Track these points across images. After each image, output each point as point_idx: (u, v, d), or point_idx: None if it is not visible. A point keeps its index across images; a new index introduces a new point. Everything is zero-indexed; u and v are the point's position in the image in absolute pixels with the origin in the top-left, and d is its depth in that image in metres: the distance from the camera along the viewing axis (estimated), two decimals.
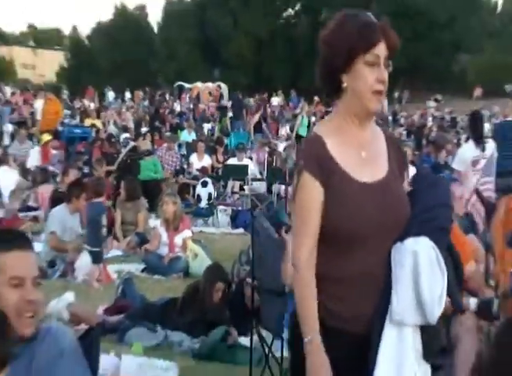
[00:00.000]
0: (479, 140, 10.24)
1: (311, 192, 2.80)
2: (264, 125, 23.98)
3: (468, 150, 10.31)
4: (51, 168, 14.89)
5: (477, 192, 8.19)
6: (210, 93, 33.61)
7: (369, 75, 2.76)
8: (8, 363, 2.76)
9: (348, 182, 2.81)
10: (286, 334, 5.46)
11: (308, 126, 21.17)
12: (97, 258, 9.18)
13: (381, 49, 2.74)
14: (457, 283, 2.91)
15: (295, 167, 2.93)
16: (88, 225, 9.60)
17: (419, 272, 2.73)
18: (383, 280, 2.79)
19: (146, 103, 30.97)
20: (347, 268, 2.80)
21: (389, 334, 2.75)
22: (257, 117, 23.95)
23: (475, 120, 11.04)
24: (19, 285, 2.85)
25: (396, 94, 36.52)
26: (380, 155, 2.92)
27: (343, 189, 2.81)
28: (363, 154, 2.86)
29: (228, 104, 30.25)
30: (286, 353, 5.70)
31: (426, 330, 2.79)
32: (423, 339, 2.79)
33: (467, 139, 11.28)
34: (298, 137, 20.80)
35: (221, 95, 32.49)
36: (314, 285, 2.82)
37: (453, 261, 2.90)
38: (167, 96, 35.18)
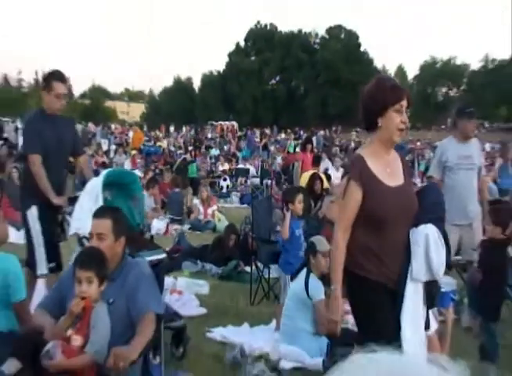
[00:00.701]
0: None
1: (353, 193, 3.18)
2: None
3: None
4: (137, 171, 17.33)
5: None
6: (227, 128, 40.22)
7: (396, 119, 3.15)
8: (105, 281, 3.19)
9: (381, 185, 3.19)
10: (273, 265, 6.76)
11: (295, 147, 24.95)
12: (173, 221, 11.94)
13: (404, 102, 3.16)
14: (447, 253, 3.24)
15: (345, 174, 3.36)
16: (171, 203, 12.55)
17: (428, 246, 3.16)
18: (403, 251, 3.18)
19: (192, 132, 36.90)
20: (379, 242, 3.17)
21: (409, 287, 3.16)
22: (263, 141, 29.09)
23: None
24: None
25: (333, 128, 42.81)
26: (398, 169, 3.32)
27: (377, 190, 3.18)
28: (388, 170, 3.26)
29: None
30: (271, 276, 6.97)
31: (431, 284, 3.24)
32: (428, 289, 3.24)
33: None
34: (288, 152, 24.58)
35: (236, 130, 39.81)
36: (344, 252, 3.19)
37: (445, 239, 3.26)
38: (204, 129, 41.24)
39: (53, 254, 5.45)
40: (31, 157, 5.24)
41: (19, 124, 32.09)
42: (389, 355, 0.60)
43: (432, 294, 3.27)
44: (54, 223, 5.45)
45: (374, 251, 3.17)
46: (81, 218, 4.53)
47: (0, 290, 3.73)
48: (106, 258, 3.26)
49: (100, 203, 4.60)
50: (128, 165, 19.71)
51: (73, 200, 5.31)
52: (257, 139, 32.68)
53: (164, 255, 4.84)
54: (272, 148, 28.75)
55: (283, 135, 35.71)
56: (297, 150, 19.97)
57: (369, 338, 2.65)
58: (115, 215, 3.53)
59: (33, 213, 5.23)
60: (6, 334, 3.67)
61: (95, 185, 4.76)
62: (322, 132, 37.93)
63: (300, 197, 6.21)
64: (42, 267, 5.30)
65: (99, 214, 3.56)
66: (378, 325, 3.11)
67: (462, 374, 0.57)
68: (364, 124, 3.34)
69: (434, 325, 3.97)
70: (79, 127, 34.21)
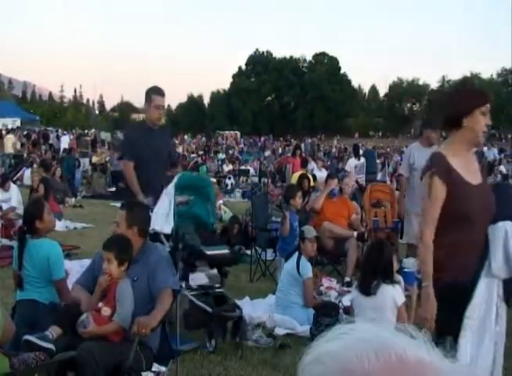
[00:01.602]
0: (357, 156, 12.88)
1: (438, 191, 2.75)
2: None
3: (352, 161, 12.81)
4: None
5: (357, 181, 10.22)
6: (231, 136, 41.18)
7: (482, 121, 2.79)
8: (126, 262, 3.18)
9: (464, 183, 2.78)
10: (269, 249, 6.98)
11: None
12: None
13: (488, 106, 2.80)
14: None
15: (426, 172, 2.82)
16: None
17: (507, 242, 2.76)
18: (482, 247, 2.78)
19: (203, 139, 37.13)
20: (459, 240, 2.73)
21: (482, 283, 2.74)
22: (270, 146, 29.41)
23: (356, 147, 13.82)
24: None
25: (318, 136, 43.97)
26: (476, 169, 2.91)
27: (461, 187, 2.76)
28: (469, 168, 2.86)
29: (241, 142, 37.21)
30: (268, 258, 6.93)
31: (509, 280, 2.77)
32: (506, 287, 2.78)
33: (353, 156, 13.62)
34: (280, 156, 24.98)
35: (238, 138, 40.81)
36: (432, 250, 2.74)
37: None
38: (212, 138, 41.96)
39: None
40: (124, 164, 5.05)
41: (60, 133, 32.17)
42: (365, 324, 0.60)
43: (510, 291, 2.80)
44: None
45: (454, 249, 2.74)
46: (157, 218, 4.31)
47: (44, 269, 3.77)
48: (127, 243, 3.23)
49: (171, 204, 4.34)
50: None
51: None
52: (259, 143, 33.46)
53: (226, 251, 4.97)
54: (267, 153, 28.89)
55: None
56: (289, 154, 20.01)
57: (440, 335, 2.57)
58: (130, 208, 3.50)
59: None
60: (48, 305, 3.71)
61: (170, 187, 4.48)
62: (309, 140, 38.09)
63: (299, 193, 6.20)
64: None
65: (121, 205, 3.64)
66: (446, 326, 2.74)
67: (426, 341, 0.57)
68: (444, 123, 2.97)
69: (402, 299, 3.96)
70: (105, 134, 34.07)
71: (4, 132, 23.56)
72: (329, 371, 0.57)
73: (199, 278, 4.56)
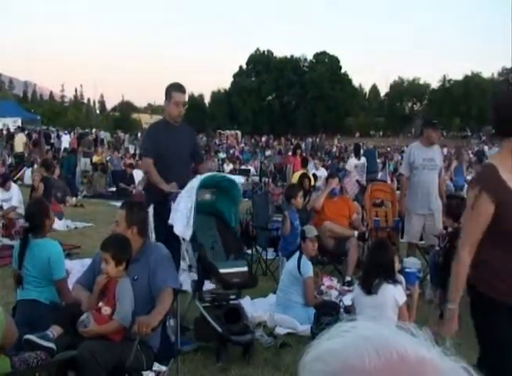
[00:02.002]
0: (357, 156, 12.98)
1: (486, 206, 2.49)
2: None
3: (353, 160, 12.88)
4: None
5: (357, 180, 10.24)
6: (232, 136, 40.71)
7: None
8: (129, 262, 3.21)
9: None
10: (269, 248, 7.07)
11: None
12: None
13: None
14: None
15: (475, 184, 2.59)
16: None
17: None
18: None
19: (204, 139, 37.22)
20: (506, 256, 2.51)
21: None
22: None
23: (357, 147, 13.89)
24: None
25: (319, 136, 44.66)
26: None
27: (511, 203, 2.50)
28: None
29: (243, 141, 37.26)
30: (268, 257, 6.97)
31: None
32: None
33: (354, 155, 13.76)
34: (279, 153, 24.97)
35: (239, 137, 40.72)
36: (468, 269, 2.53)
37: None
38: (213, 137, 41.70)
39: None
40: (144, 160, 4.98)
41: (61, 133, 32.22)
42: (366, 322, 0.60)
43: None
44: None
45: (504, 268, 2.52)
46: (177, 219, 4.24)
47: (45, 269, 3.79)
48: (125, 243, 3.22)
49: (193, 208, 4.20)
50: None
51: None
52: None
53: (245, 269, 4.46)
54: (267, 152, 28.81)
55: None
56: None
57: (492, 360, 2.46)
58: (130, 208, 3.48)
59: (150, 211, 4.65)
60: (49, 305, 3.73)
61: (191, 186, 4.31)
62: (310, 139, 38.08)
63: (300, 192, 6.19)
64: None
65: (120, 205, 3.61)
66: (500, 348, 2.52)
67: (427, 340, 0.58)
68: (497, 130, 2.72)
69: (403, 298, 3.96)
70: (105, 134, 34.02)
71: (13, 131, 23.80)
72: (330, 369, 0.57)
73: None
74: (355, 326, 0.60)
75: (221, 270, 4.26)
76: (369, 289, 3.92)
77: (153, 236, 4.64)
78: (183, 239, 4.28)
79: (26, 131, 27.46)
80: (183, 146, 4.86)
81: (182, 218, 4.22)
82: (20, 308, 3.75)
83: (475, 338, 2.69)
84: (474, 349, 2.70)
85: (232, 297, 4.39)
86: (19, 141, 20.05)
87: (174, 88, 4.87)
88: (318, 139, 38.54)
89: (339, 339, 0.58)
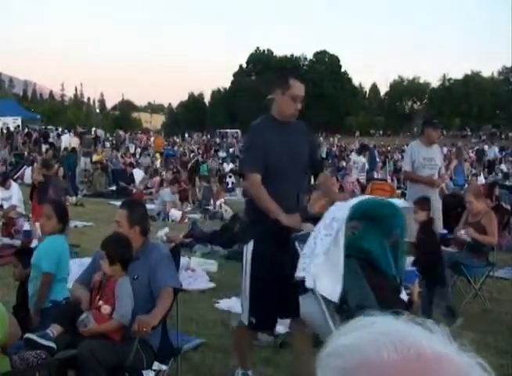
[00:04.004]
0: (361, 154, 13.00)
1: None
2: None
3: (358, 158, 12.88)
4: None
5: (358, 179, 10.23)
6: (232, 135, 41.21)
7: None
8: (128, 261, 3.22)
9: None
10: None
11: None
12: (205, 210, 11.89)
13: None
14: None
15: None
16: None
17: None
18: None
19: (207, 137, 37.41)
20: None
21: None
22: None
23: (363, 146, 14.05)
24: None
25: (319, 135, 45.24)
26: None
27: None
28: None
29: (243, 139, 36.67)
30: None
31: None
32: None
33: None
34: None
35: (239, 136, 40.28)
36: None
37: None
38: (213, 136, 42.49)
39: (268, 312, 3.38)
40: (250, 177, 3.43)
41: (60, 132, 32.21)
42: (384, 318, 0.61)
43: None
44: (282, 262, 3.22)
45: None
46: (320, 275, 2.80)
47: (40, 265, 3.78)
48: (123, 242, 3.21)
49: (341, 243, 2.82)
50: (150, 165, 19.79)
51: (315, 221, 3.11)
52: None
53: None
54: None
55: None
56: None
57: None
58: (131, 208, 3.45)
59: (248, 250, 3.42)
60: (49, 303, 3.71)
61: (334, 218, 2.90)
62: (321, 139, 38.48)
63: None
64: (244, 318, 3.45)
65: (120, 205, 3.56)
66: None
67: (444, 336, 0.58)
68: None
69: (404, 297, 3.96)
70: (101, 132, 34.08)
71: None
72: (347, 364, 0.57)
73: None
74: (372, 321, 0.60)
75: None
76: None
77: (246, 288, 3.41)
78: (328, 300, 2.82)
79: (26, 130, 27.48)
80: (299, 152, 3.56)
81: (324, 269, 2.83)
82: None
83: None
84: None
85: None
86: (67, 141, 21.81)
87: (293, 75, 3.63)
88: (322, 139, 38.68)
89: (356, 334, 0.58)
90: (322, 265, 2.78)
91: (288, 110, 3.55)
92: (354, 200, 2.95)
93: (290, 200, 3.37)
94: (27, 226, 7.79)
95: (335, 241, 2.78)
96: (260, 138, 3.52)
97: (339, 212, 2.85)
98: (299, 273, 2.80)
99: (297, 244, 3.05)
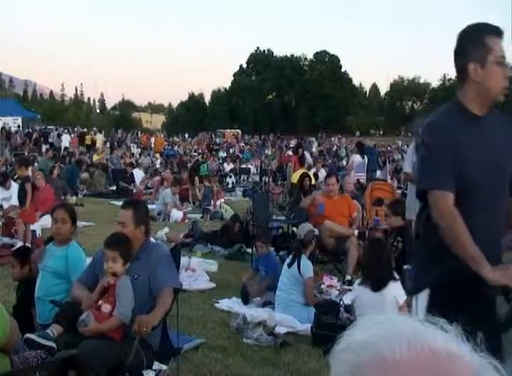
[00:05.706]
0: (362, 154, 12.98)
1: None
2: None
3: (356, 158, 12.93)
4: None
5: (358, 179, 10.24)
6: (233, 135, 41.22)
7: None
8: (130, 260, 3.22)
9: None
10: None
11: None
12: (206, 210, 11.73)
13: None
14: None
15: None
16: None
17: None
18: None
19: (209, 136, 37.55)
20: None
21: None
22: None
23: (360, 144, 13.98)
24: None
25: (319, 135, 44.25)
26: None
27: None
28: None
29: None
30: None
31: None
32: None
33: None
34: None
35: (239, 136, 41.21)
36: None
37: None
38: (213, 136, 41.77)
39: None
40: (437, 196, 2.26)
41: (60, 131, 32.22)
42: (399, 316, 0.61)
43: None
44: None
45: None
46: None
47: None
48: (129, 241, 3.24)
49: None
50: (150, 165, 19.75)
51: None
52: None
53: None
54: (268, 151, 28.91)
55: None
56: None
57: None
58: (136, 208, 3.45)
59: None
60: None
61: None
62: (313, 139, 38.36)
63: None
64: None
65: (123, 205, 3.53)
66: None
67: (458, 335, 0.58)
68: None
69: (403, 297, 3.96)
70: (99, 135, 34.09)
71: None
72: (360, 360, 0.57)
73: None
74: (387, 319, 0.60)
75: None
76: (378, 285, 3.94)
77: None
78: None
79: (25, 131, 27.48)
80: (502, 157, 2.37)
81: None
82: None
83: None
84: None
85: None
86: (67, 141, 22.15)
87: (492, 32, 2.30)
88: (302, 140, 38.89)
89: (371, 331, 0.59)
90: None
91: (495, 87, 2.29)
92: None
93: (490, 227, 2.28)
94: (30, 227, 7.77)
95: None
96: (450, 138, 2.29)
97: None
98: None
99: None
